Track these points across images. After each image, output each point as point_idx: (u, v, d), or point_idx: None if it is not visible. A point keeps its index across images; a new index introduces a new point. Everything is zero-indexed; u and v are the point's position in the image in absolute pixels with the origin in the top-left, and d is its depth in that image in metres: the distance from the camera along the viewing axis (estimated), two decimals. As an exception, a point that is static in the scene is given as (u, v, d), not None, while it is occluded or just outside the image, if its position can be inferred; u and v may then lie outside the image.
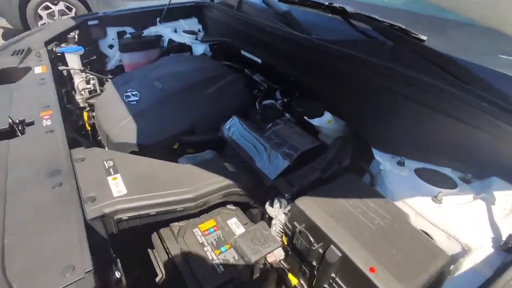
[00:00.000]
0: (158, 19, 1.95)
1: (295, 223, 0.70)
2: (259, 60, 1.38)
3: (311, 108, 1.00)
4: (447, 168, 0.86)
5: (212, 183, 0.75)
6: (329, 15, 1.33)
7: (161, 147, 1.09)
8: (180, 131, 1.10)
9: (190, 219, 0.78)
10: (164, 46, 1.87)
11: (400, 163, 0.87)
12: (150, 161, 0.81)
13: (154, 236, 0.78)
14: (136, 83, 1.31)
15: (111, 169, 0.74)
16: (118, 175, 0.73)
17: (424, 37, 1.05)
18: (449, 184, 0.78)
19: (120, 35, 1.86)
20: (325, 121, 1.02)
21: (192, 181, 0.75)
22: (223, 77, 1.31)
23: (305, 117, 1.00)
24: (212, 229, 0.75)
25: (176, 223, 0.76)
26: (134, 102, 1.20)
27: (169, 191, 0.70)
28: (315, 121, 1.00)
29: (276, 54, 1.28)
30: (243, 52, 1.48)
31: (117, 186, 0.69)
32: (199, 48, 1.79)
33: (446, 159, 0.86)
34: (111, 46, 1.87)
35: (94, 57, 1.84)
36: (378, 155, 0.92)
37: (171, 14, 2.00)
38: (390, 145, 0.93)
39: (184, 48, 1.77)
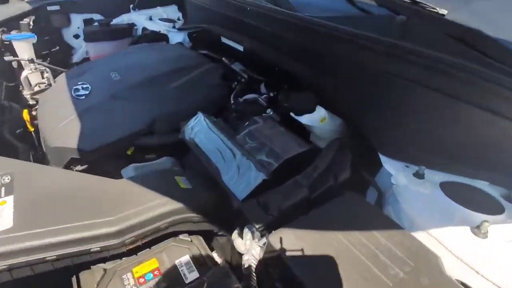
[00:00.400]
0: (131, 6, 1.72)
1: (270, 269, 0.47)
2: (241, 48, 1.15)
3: (300, 102, 0.76)
4: (483, 181, 0.64)
5: (149, 208, 0.52)
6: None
7: (110, 153, 0.86)
8: (135, 131, 0.87)
9: (124, 258, 0.55)
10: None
11: (419, 175, 0.64)
12: (70, 176, 0.58)
13: (74, 282, 0.54)
14: (90, 75, 1.08)
15: (2, 189, 0.51)
16: (9, 198, 0.49)
17: (443, 11, 0.82)
18: (493, 206, 0.55)
19: (87, 23, 1.63)
20: (317, 119, 0.79)
21: (122, 206, 0.52)
22: (195, 68, 1.07)
23: (292, 114, 0.77)
24: (152, 274, 0.52)
25: (100, 265, 0.53)
26: (83, 97, 0.97)
27: (80, 223, 0.47)
28: (305, 119, 0.77)
29: (260, 38, 1.05)
30: (223, 39, 1.25)
31: (0, 216, 0.46)
32: (177, 37, 1.56)
33: (482, 169, 0.63)
34: (76, 36, 1.64)
35: (57, 47, 1.61)
36: (387, 164, 0.69)
37: (147, 0, 1.78)
38: (403, 150, 0.70)
39: (159, 37, 1.53)
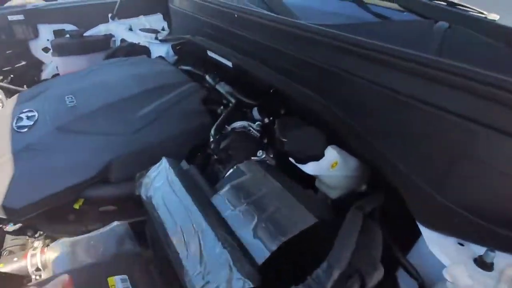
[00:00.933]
0: (110, 15, 1.52)
1: None
2: (229, 63, 0.94)
3: (303, 145, 0.55)
4: None
5: None
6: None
7: (51, 209, 0.65)
8: (82, 181, 0.65)
9: None
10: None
11: (484, 263, 0.42)
12: None
13: None
14: (41, 99, 0.88)
15: None
16: None
17: (494, 16, 0.61)
18: None
19: (58, 34, 1.43)
20: (327, 166, 0.57)
21: None
22: (171, 89, 0.86)
23: (293, 161, 0.55)
24: None
25: None
26: (25, 130, 0.76)
27: None
28: (310, 168, 0.55)
29: (251, 52, 0.84)
30: (210, 53, 1.05)
31: None
32: (159, 50, 1.36)
33: None
34: (46, 49, 1.44)
35: (23, 62, 1.41)
36: (433, 242, 0.47)
37: (129, 9, 1.59)
38: (460, 218, 0.48)
39: (138, 49, 1.33)
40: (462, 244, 0.48)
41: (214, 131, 0.67)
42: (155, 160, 0.64)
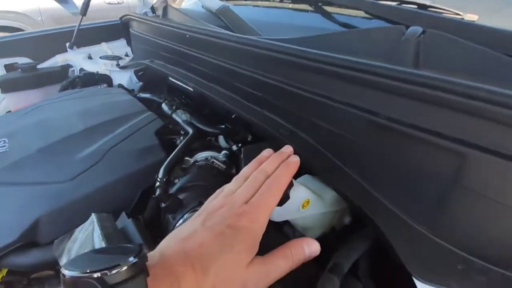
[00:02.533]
0: (67, 44, 1.43)
1: None
2: (191, 88, 0.84)
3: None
4: None
5: None
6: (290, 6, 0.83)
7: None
8: (4, 245, 0.52)
9: None
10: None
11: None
12: None
13: None
14: (-29, 145, 0.75)
15: None
16: None
17: (472, 16, 0.54)
18: None
19: (11, 68, 1.32)
20: (296, 207, 0.47)
21: None
22: (120, 123, 0.76)
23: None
24: None
25: None
26: None
27: None
28: (276, 215, 0.45)
29: (210, 74, 0.75)
30: (171, 79, 0.95)
31: None
32: (121, 77, 1.27)
33: None
34: (-3, 86, 1.32)
35: (-29, 102, 1.29)
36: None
37: (89, 36, 1.50)
38: (466, 268, 0.38)
39: (98, 78, 1.23)
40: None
41: (163, 170, 0.56)
42: (98, 211, 0.53)
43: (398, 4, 0.59)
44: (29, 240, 0.54)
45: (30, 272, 0.56)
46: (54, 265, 0.53)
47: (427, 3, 0.58)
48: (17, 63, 1.33)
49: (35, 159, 0.66)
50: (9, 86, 1.19)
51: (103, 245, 0.40)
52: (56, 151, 0.68)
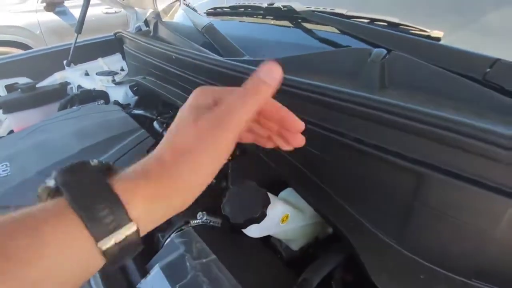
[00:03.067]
0: (65, 62, 1.47)
1: None
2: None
3: (240, 202, 0.47)
4: None
5: None
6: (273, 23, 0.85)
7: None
8: None
9: None
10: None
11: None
12: None
13: None
14: (-25, 169, 0.80)
15: None
16: None
17: (438, 33, 0.57)
18: None
19: (11, 89, 1.36)
20: (275, 222, 0.50)
21: None
22: (113, 143, 0.80)
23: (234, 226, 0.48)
24: None
25: None
26: (-51, 211, 0.67)
27: None
28: (253, 232, 0.48)
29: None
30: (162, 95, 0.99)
31: None
32: (117, 93, 1.31)
33: None
34: (-1, 106, 1.37)
35: (-25, 123, 1.34)
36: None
37: (85, 53, 1.54)
38: (429, 278, 0.40)
39: (95, 95, 1.27)
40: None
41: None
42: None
43: (369, 23, 0.62)
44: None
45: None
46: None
47: (397, 20, 0.60)
48: (17, 83, 1.38)
49: (35, 182, 0.70)
50: (11, 106, 1.23)
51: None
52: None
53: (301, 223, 0.55)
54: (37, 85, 1.33)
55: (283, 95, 0.53)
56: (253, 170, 0.69)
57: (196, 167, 0.29)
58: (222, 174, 0.73)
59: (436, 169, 0.38)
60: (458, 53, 0.47)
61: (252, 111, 0.31)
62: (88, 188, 0.25)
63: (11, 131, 1.37)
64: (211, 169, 0.30)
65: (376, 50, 0.50)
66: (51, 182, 0.26)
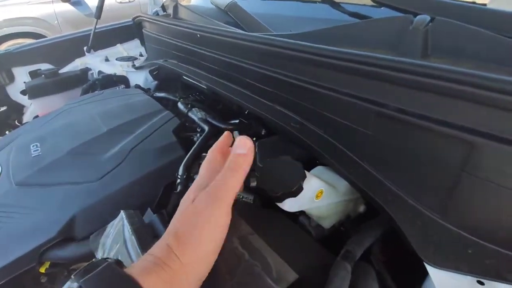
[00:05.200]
0: (85, 48, 1.49)
1: None
2: (204, 86, 0.87)
3: (277, 175, 0.47)
4: None
5: None
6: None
7: (17, 277, 0.58)
8: (44, 241, 0.58)
9: None
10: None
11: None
12: None
13: None
14: (8, 149, 0.82)
15: None
16: None
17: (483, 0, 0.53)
18: None
19: (34, 75, 1.39)
20: (310, 198, 0.49)
21: None
22: (140, 124, 0.80)
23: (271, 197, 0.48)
24: None
25: None
26: (-13, 188, 0.70)
27: None
28: (288, 206, 0.47)
29: (220, 73, 0.77)
30: (185, 77, 0.98)
31: None
32: (137, 78, 1.31)
33: None
34: (24, 92, 1.40)
35: (3, 108, 1.38)
36: (443, 285, 0.38)
37: (106, 39, 1.55)
38: (476, 253, 0.39)
39: (116, 80, 1.28)
40: (482, 283, 0.39)
41: (183, 167, 0.60)
42: (126, 207, 0.57)
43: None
44: (67, 235, 0.59)
45: (70, 264, 0.62)
46: (90, 257, 0.58)
47: (436, -12, 0.57)
48: (40, 69, 1.41)
49: (66, 161, 0.72)
50: (35, 92, 1.26)
51: (133, 239, 0.44)
52: (84, 152, 0.73)
53: (334, 199, 0.54)
54: (60, 71, 1.35)
55: (318, 67, 0.51)
56: (278, 149, 0.68)
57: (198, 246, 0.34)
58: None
59: (489, 136, 0.36)
60: (509, 16, 0.44)
61: (240, 182, 0.38)
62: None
63: (36, 116, 1.40)
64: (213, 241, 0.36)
65: (418, 17, 0.47)
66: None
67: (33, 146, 0.78)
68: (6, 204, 0.64)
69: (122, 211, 0.50)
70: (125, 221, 0.47)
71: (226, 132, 0.48)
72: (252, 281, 0.37)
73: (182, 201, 0.38)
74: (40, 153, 0.75)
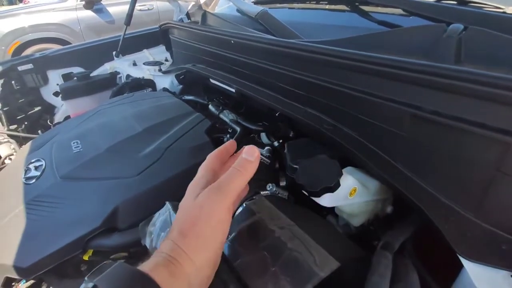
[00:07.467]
0: (114, 53, 1.56)
1: None
2: (232, 90, 0.91)
3: (316, 172, 0.50)
4: None
5: None
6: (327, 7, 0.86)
7: (62, 263, 0.62)
8: (89, 230, 0.62)
9: None
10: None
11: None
12: None
13: None
14: (49, 146, 0.87)
15: None
16: None
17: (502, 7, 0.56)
18: None
19: (67, 78, 1.47)
20: (345, 195, 0.52)
21: None
22: (173, 124, 0.84)
23: (306, 193, 0.50)
24: None
25: None
26: (33, 181, 0.75)
27: None
28: (326, 200, 0.50)
29: (254, 76, 0.81)
30: (212, 81, 1.03)
31: None
32: (164, 81, 1.37)
33: None
34: (56, 94, 1.48)
35: (35, 109, 1.45)
36: (479, 278, 0.40)
37: (133, 44, 1.62)
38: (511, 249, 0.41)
39: (143, 83, 1.34)
40: (516, 278, 0.40)
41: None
42: (163, 201, 0.61)
43: (436, 1, 0.61)
44: (110, 225, 0.63)
45: (110, 253, 0.66)
46: (132, 246, 0.62)
47: (466, -2, 0.60)
48: (72, 72, 1.48)
49: (105, 157, 0.76)
50: (68, 93, 1.33)
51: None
52: (121, 150, 0.78)
53: (366, 198, 0.56)
54: (91, 75, 1.42)
55: (354, 72, 0.54)
56: (307, 151, 0.70)
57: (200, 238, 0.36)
58: (274, 157, 0.75)
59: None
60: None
61: (243, 183, 0.39)
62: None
63: (67, 117, 1.47)
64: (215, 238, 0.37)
65: (452, 25, 0.50)
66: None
67: (73, 143, 0.83)
68: (52, 195, 0.69)
69: (167, 202, 0.54)
70: (171, 211, 0.51)
71: (230, 141, 0.50)
72: (296, 267, 0.40)
73: (182, 200, 0.41)
74: (81, 149, 0.80)
